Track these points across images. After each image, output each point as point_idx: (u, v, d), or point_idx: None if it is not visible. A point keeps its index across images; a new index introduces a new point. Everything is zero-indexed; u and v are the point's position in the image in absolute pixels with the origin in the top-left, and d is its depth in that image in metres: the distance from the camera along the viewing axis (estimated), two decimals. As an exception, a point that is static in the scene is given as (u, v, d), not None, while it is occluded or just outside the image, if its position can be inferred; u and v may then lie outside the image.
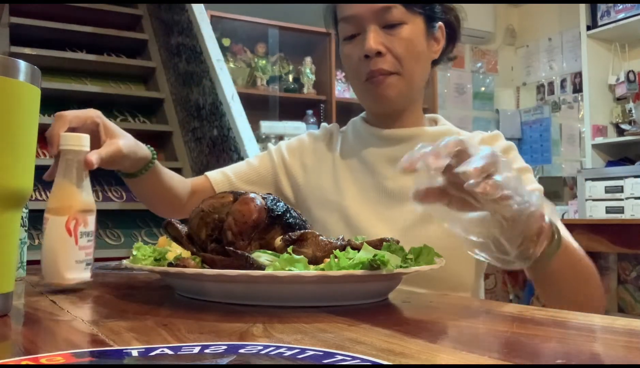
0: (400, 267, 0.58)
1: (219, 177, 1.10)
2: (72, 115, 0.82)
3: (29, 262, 0.91)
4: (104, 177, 2.89)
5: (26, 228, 0.87)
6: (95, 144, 0.82)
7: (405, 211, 0.97)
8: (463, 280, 0.95)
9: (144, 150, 0.93)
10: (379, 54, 0.95)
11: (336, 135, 1.13)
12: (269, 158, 1.13)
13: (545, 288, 0.83)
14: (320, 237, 0.62)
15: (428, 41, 1.00)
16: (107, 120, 0.87)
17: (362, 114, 1.11)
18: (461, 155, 0.59)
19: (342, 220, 1.00)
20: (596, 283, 0.84)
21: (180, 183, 1.06)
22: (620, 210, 3.58)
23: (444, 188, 0.62)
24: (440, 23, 1.02)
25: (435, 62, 1.06)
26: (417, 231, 0.94)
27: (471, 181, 0.57)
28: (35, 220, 2.70)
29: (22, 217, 0.84)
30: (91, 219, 0.73)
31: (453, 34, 1.05)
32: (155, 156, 0.97)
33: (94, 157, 0.75)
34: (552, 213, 0.67)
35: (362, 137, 1.06)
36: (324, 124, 1.18)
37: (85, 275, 0.72)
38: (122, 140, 0.86)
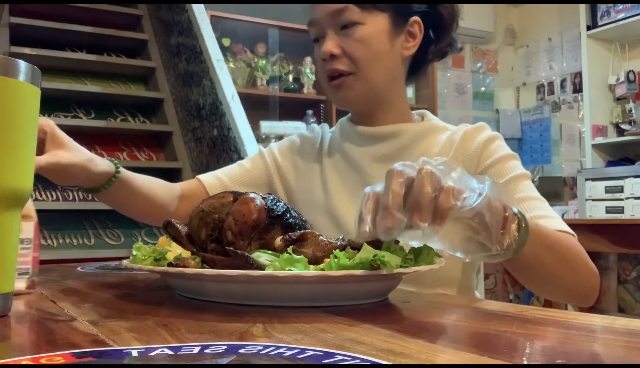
0: (401, 267, 0.58)
1: (212, 181, 1.09)
2: None
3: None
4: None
5: None
6: (39, 153, 0.80)
7: None
8: (449, 274, 0.94)
9: (101, 166, 0.91)
10: (333, 56, 0.97)
11: (324, 136, 1.13)
12: (262, 160, 1.12)
13: (527, 277, 0.82)
14: (320, 237, 0.62)
15: (395, 38, 0.98)
16: (58, 131, 0.85)
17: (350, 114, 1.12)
18: (408, 183, 0.59)
19: (331, 222, 1.00)
20: (579, 261, 0.81)
21: (162, 191, 1.04)
22: (620, 210, 3.58)
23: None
24: (415, 17, 1.00)
25: (420, 57, 1.03)
26: None
27: (424, 226, 0.57)
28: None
29: None
30: (27, 226, 0.69)
31: (442, 26, 1.03)
32: (118, 170, 0.94)
33: None
34: (508, 198, 0.66)
35: (348, 136, 1.06)
36: (312, 125, 1.18)
37: (18, 285, 0.67)
38: (66, 153, 0.84)
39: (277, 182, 1.10)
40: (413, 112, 1.09)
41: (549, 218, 0.87)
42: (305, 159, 1.11)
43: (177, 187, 1.08)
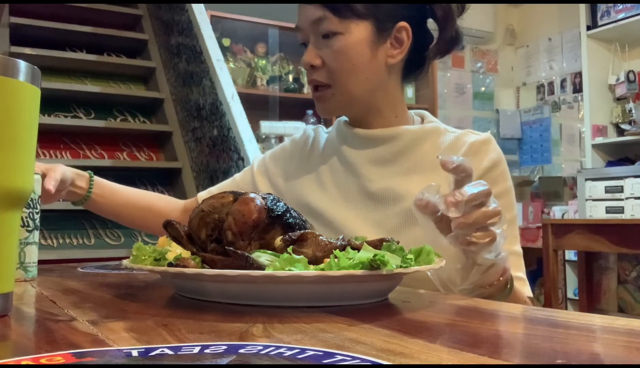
0: (400, 267, 0.58)
1: (204, 195, 1.15)
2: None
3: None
4: (104, 177, 2.89)
5: (38, 229, 0.87)
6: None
7: (390, 213, 0.96)
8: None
9: (82, 174, 1.10)
10: (313, 66, 0.97)
11: (319, 137, 1.11)
12: (250, 170, 1.16)
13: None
14: (320, 237, 0.62)
15: (378, 47, 0.95)
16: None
17: None
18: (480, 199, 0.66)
19: (326, 226, 0.98)
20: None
21: (161, 201, 1.17)
22: (620, 210, 3.58)
23: (437, 207, 0.67)
24: (402, 23, 0.95)
25: (417, 58, 1.00)
26: (402, 233, 0.93)
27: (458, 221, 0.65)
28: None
29: (35, 218, 0.85)
30: None
31: (438, 26, 1.00)
32: (92, 175, 1.11)
33: (52, 183, 0.95)
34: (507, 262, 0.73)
35: (344, 138, 1.05)
36: (306, 127, 1.17)
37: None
38: (55, 170, 1.01)
39: (264, 189, 1.10)
40: (412, 111, 1.06)
41: (521, 281, 0.91)
42: (295, 162, 1.10)
43: (180, 201, 1.19)
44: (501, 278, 0.72)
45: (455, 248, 0.69)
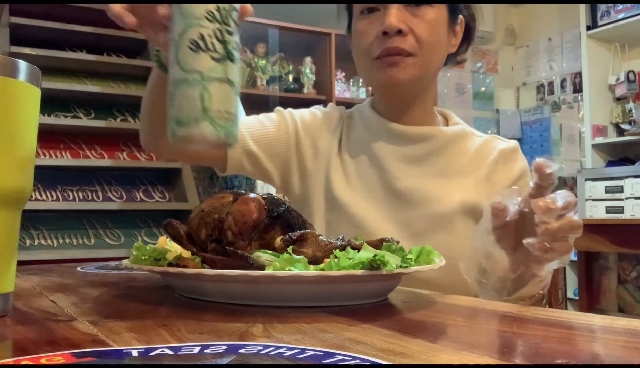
0: (400, 267, 0.58)
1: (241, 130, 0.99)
2: None
3: (26, 262, 0.91)
4: (104, 177, 2.89)
5: (237, 62, 0.61)
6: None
7: (415, 215, 0.93)
8: (470, 289, 0.93)
9: None
10: (399, 32, 0.90)
11: (351, 122, 1.05)
12: (284, 127, 1.00)
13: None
14: (320, 237, 0.62)
15: (449, 32, 0.96)
16: None
17: (369, 101, 1.04)
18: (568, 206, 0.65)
19: (348, 219, 0.94)
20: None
21: None
22: (620, 210, 3.58)
23: (510, 212, 0.67)
24: (461, 17, 0.99)
25: (448, 58, 1.02)
26: (428, 238, 0.90)
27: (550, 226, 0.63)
28: (36, 220, 2.69)
29: (230, 41, 0.58)
30: None
31: (468, 33, 1.02)
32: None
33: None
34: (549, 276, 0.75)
35: (372, 129, 1.00)
36: (331, 104, 1.10)
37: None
38: None
39: (295, 162, 1.00)
40: (435, 109, 1.05)
41: None
42: (326, 139, 1.01)
43: None
44: (541, 291, 0.73)
45: (508, 258, 0.68)
